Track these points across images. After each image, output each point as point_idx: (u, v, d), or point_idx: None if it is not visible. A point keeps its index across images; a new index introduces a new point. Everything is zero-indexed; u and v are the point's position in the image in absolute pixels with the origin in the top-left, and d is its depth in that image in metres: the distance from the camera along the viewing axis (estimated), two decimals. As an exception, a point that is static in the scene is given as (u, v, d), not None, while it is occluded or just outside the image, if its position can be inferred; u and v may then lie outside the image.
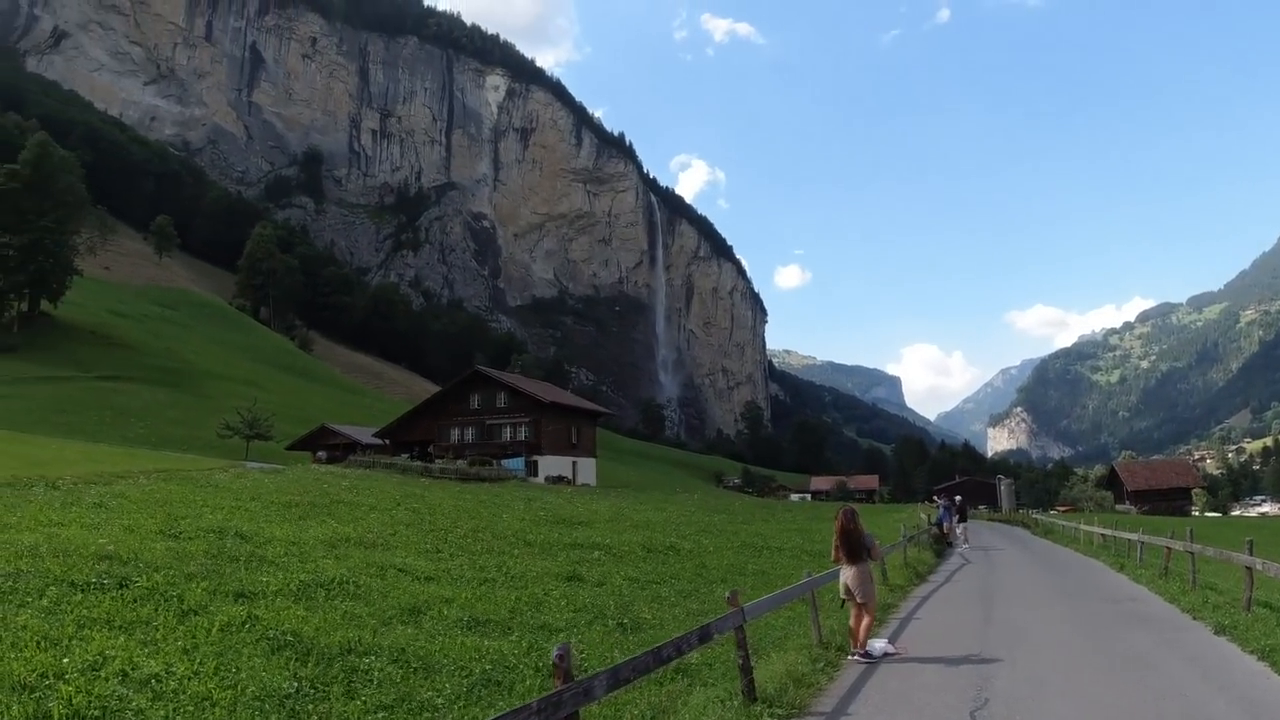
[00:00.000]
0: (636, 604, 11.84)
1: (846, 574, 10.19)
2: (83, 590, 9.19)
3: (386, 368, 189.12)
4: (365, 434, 58.59)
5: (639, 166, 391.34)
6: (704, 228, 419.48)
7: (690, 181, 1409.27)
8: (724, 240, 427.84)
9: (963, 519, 32.92)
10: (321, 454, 55.76)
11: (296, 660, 7.64)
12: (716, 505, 38.08)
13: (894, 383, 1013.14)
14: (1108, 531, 28.59)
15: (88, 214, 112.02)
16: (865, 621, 9.91)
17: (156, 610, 8.82)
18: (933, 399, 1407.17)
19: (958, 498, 34.75)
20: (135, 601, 9.03)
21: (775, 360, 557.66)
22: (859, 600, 9.97)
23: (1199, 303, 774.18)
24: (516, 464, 51.26)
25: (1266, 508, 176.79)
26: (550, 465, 52.81)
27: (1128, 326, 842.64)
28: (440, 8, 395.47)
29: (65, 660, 6.90)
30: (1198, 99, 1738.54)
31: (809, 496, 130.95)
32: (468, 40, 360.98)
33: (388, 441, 56.12)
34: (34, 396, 74.10)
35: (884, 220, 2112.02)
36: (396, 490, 26.65)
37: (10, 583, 9.07)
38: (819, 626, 10.36)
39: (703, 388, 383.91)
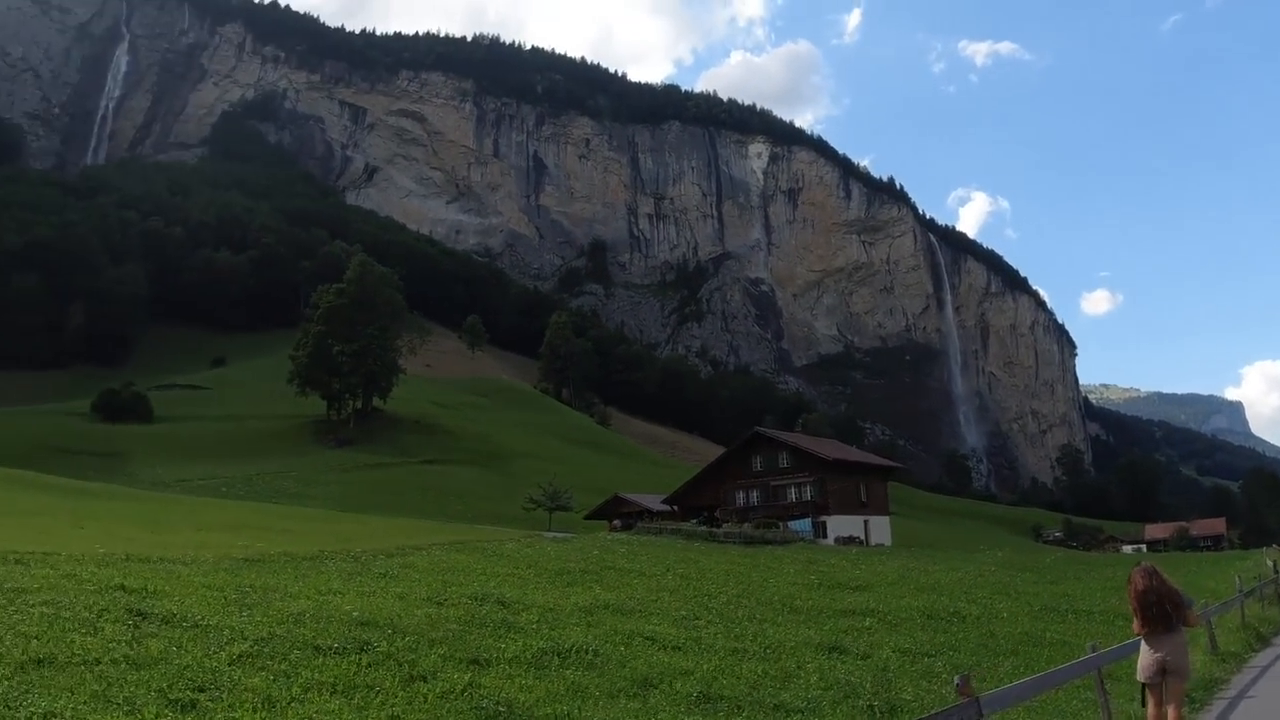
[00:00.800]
0: (900, 681, 10.45)
1: (1154, 648, 7.89)
2: (324, 654, 9.48)
3: (680, 436, 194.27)
4: (655, 501, 59.88)
5: (913, 208, 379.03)
6: (992, 262, 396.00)
7: (972, 215, 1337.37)
8: (1016, 272, 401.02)
9: None
10: (617, 522, 57.46)
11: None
12: (1022, 563, 34.41)
13: (1235, 409, 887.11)
14: None
15: (406, 321, 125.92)
16: (1175, 714, 7.66)
17: (385, 675, 8.91)
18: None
19: None
20: (368, 666, 9.20)
21: (1092, 396, 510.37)
22: (1175, 682, 7.75)
23: None
24: (803, 525, 49.85)
25: None
26: (839, 525, 50.84)
27: None
28: (698, 90, 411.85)
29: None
30: None
31: (1144, 547, 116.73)
32: (726, 115, 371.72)
33: (675, 507, 56.89)
34: (366, 481, 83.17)
35: (1199, 222, 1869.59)
36: (673, 555, 26.48)
37: (259, 647, 9.53)
38: (1109, 715, 8.36)
39: (1011, 434, 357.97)
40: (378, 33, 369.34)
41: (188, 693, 7.79)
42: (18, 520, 24.93)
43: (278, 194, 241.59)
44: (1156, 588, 8.01)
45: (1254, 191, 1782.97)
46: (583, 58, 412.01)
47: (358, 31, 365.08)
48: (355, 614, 11.70)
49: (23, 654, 8.04)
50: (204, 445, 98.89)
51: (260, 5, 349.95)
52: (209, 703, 7.62)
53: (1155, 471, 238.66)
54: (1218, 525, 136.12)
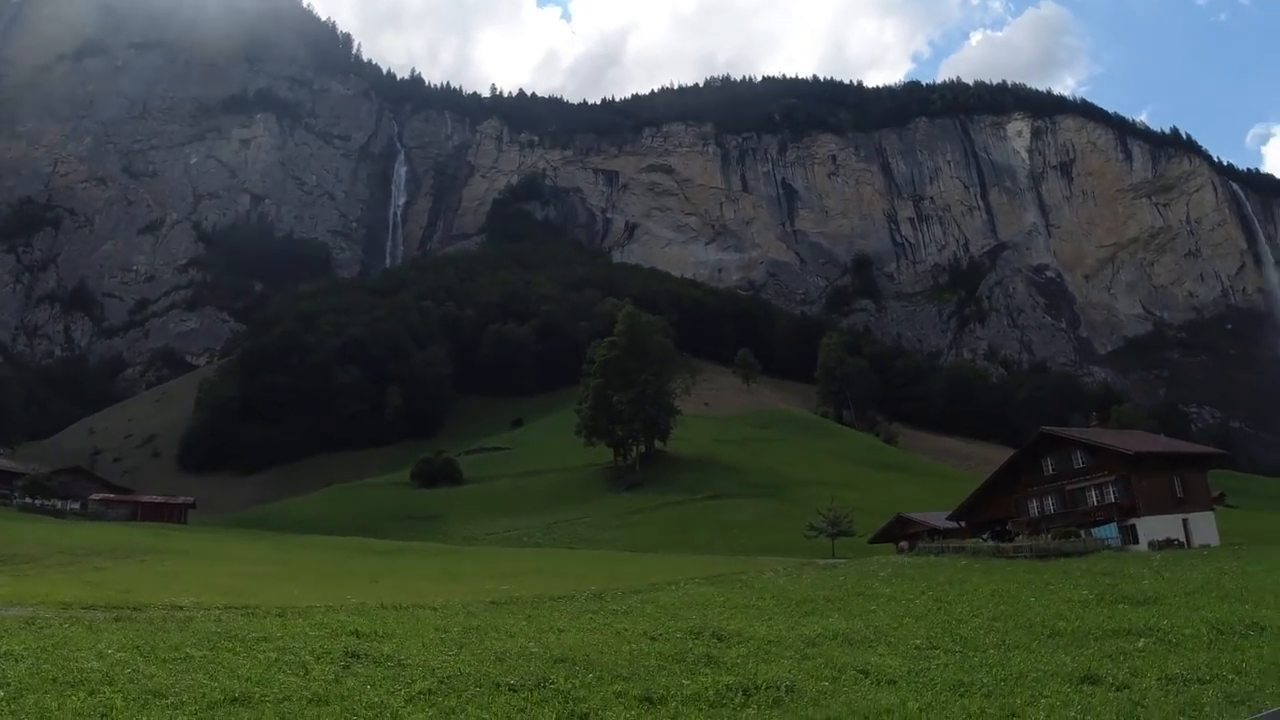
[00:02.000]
0: (1152, 717, 8.72)
1: None
2: (500, 691, 9.65)
3: (974, 447, 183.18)
4: (941, 518, 56.46)
5: (1207, 157, 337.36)
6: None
7: (1277, 152, 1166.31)
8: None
9: None
10: (904, 544, 54.98)
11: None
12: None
13: None
14: None
15: (677, 363, 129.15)
16: None
17: (547, 712, 8.86)
18: None
19: None
20: (537, 704, 9.21)
21: None
22: None
23: None
24: (1108, 531, 44.68)
25: None
26: (1152, 527, 44.94)
27: None
28: (940, 80, 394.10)
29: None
30: None
31: None
32: (975, 99, 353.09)
33: (962, 524, 53.19)
34: (653, 521, 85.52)
35: None
36: (943, 576, 24.68)
37: (443, 684, 9.84)
38: None
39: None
40: (617, 99, 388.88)
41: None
42: (315, 577, 27.72)
43: (552, 265, 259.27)
44: None
45: None
46: (814, 76, 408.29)
47: (599, 102, 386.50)
48: (557, 652, 11.81)
49: (223, 693, 8.75)
50: (508, 500, 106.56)
51: (510, 98, 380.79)
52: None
53: None
54: None
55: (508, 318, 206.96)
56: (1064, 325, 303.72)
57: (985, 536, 47.27)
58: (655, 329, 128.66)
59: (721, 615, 16.63)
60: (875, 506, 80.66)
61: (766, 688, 10.02)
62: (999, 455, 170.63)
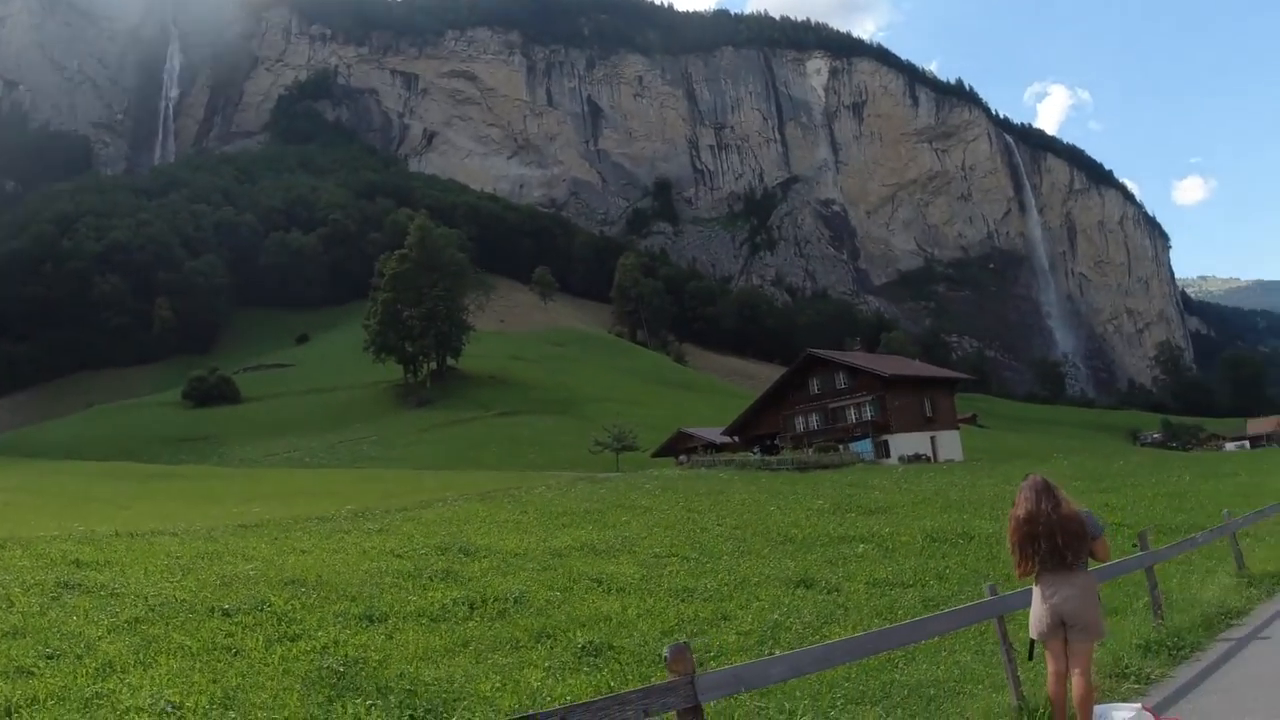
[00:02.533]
0: (851, 619, 9.30)
1: (1046, 594, 5.57)
2: (214, 617, 9.25)
3: (760, 367, 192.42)
4: (718, 434, 59.07)
5: (986, 109, 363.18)
6: (1075, 157, 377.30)
7: (1050, 111, 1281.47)
8: (1101, 166, 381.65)
9: None
10: (683, 458, 56.97)
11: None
12: (1091, 469, 32.48)
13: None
14: None
15: (471, 278, 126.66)
16: (1080, 683, 5.28)
17: (255, 637, 8.54)
18: None
19: None
20: (248, 628, 8.89)
21: (1189, 290, 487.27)
22: (1079, 639, 5.38)
23: None
24: (864, 446, 48.45)
25: None
26: (903, 444, 49.13)
27: None
28: (749, 11, 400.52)
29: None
30: None
31: (1247, 444, 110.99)
32: (780, 34, 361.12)
33: (736, 439, 55.97)
34: (444, 439, 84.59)
35: None
36: (704, 488, 25.74)
37: (153, 612, 9.31)
38: (1017, 681, 5.96)
39: (1106, 336, 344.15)
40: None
41: (36, 660, 7.58)
42: (60, 506, 25.56)
43: (342, 170, 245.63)
44: (1047, 513, 5.63)
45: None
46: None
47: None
48: (290, 574, 11.34)
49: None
50: (289, 420, 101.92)
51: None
52: (49, 671, 7.36)
53: (1259, 364, 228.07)
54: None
55: (292, 225, 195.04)
56: (845, 257, 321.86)
57: (755, 450, 49.86)
58: (449, 242, 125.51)
59: (478, 531, 16.53)
60: (662, 423, 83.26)
61: (495, 600, 9.98)
62: (780, 374, 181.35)
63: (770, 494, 23.13)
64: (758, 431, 54.95)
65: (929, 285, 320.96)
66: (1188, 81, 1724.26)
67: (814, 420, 53.47)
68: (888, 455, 48.40)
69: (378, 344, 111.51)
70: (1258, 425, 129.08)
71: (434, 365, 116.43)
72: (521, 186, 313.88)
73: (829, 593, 10.60)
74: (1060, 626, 5.47)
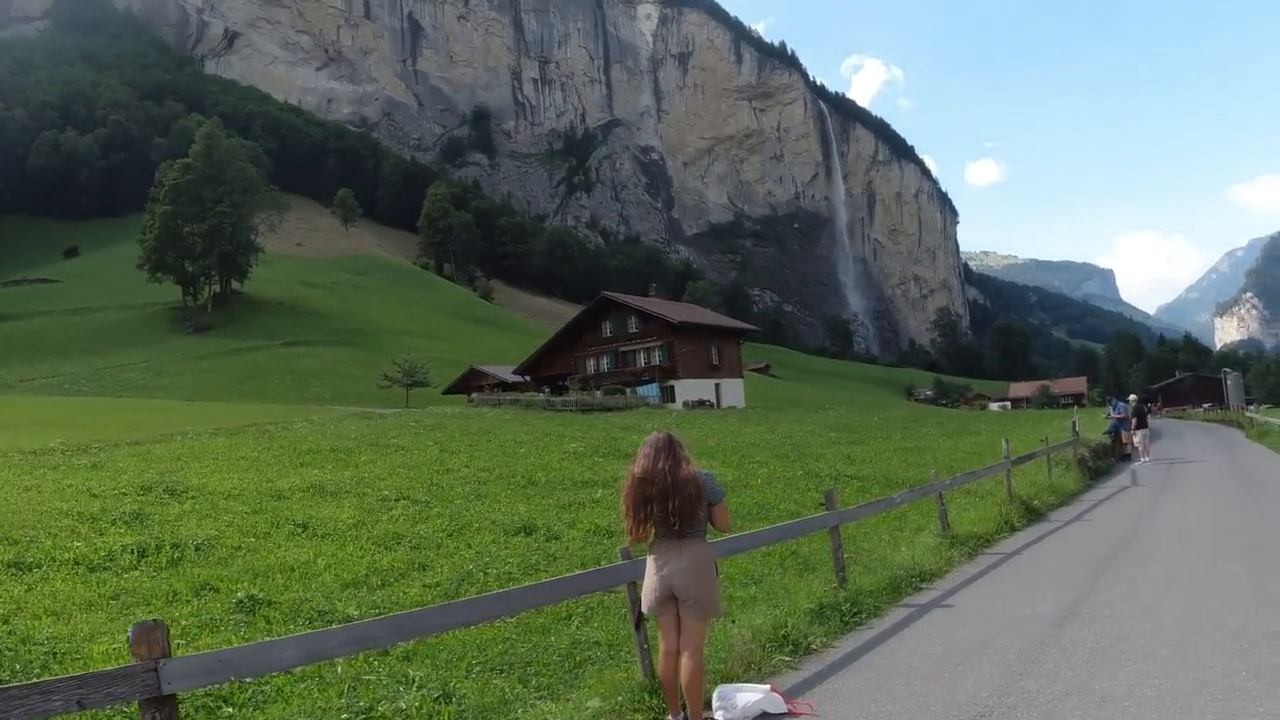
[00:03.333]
0: (534, 573, 8.99)
1: (658, 564, 4.99)
2: None
3: (568, 308, 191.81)
4: (511, 372, 58.45)
5: (805, 75, 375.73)
6: (881, 130, 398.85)
7: (865, 84, 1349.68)
8: (903, 141, 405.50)
9: (1141, 424, 25.36)
10: (475, 395, 55.94)
11: None
12: (853, 421, 34.08)
13: (1107, 276, 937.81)
14: None
15: (263, 195, 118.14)
16: (689, 664, 4.82)
17: None
18: (1153, 291, 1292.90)
19: (1131, 397, 27.43)
20: None
21: (972, 263, 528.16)
22: (690, 615, 4.89)
23: None
24: (650, 390, 49.26)
25: None
26: (688, 389, 50.36)
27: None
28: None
29: None
30: None
31: (1008, 404, 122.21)
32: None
33: (528, 378, 55.60)
34: (222, 369, 79.20)
35: (1085, 100, 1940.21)
36: (475, 426, 25.13)
37: None
38: (645, 652, 5.46)
39: (894, 299, 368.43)
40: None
41: None
42: None
43: (128, 66, 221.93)
44: (663, 473, 4.92)
45: (1140, 67, 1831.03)
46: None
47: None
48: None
49: None
50: (51, 342, 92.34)
51: None
52: None
53: (1025, 334, 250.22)
54: (1079, 384, 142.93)
55: (68, 124, 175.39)
56: (660, 205, 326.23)
57: (544, 390, 49.68)
58: (239, 154, 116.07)
59: (202, 469, 15.20)
60: (463, 359, 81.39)
61: (173, 547, 9.01)
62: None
63: (538, 435, 22.72)
64: (549, 372, 54.66)
65: (737, 239, 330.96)
66: (991, 72, 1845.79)
67: (605, 363, 53.71)
68: (673, 400, 49.39)
69: (154, 262, 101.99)
70: (1019, 389, 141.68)
71: (216, 288, 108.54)
72: (330, 102, 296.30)
73: (547, 540, 10.27)
74: (671, 600, 4.94)
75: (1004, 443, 15.47)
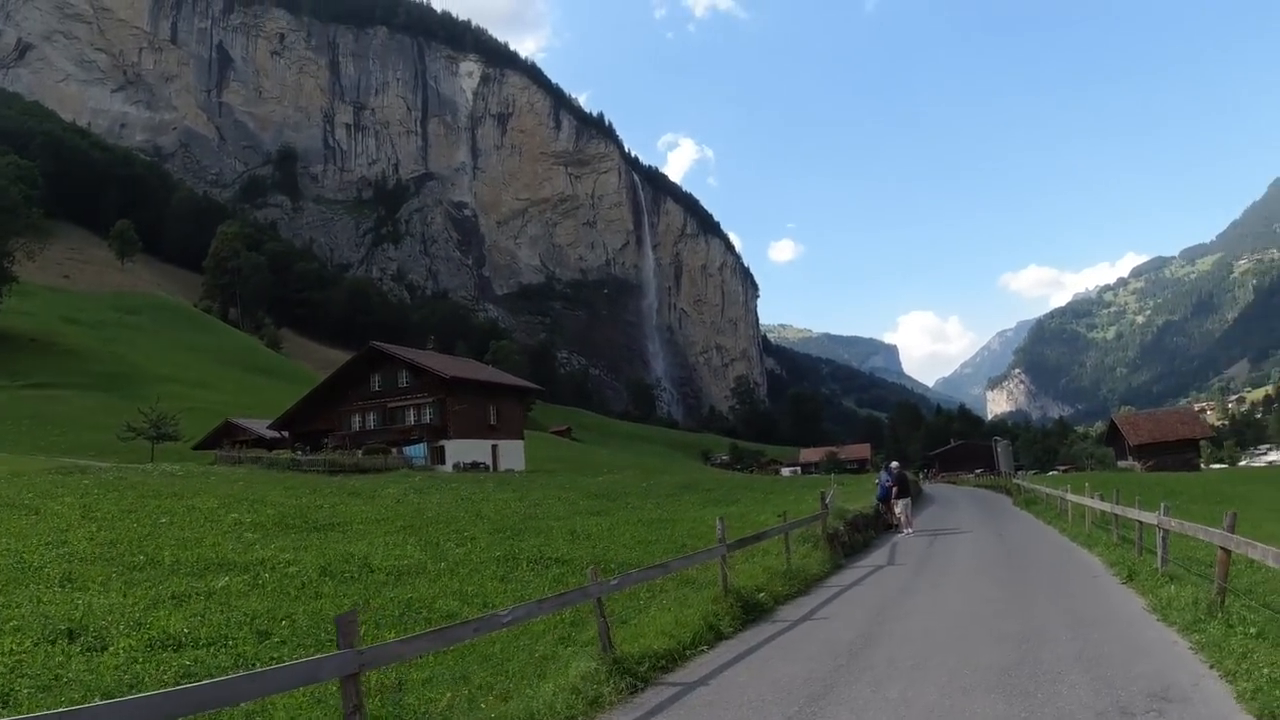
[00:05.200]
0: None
1: None
2: None
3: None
4: (267, 427, 53.65)
5: (620, 146, 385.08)
6: (690, 205, 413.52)
7: (679, 160, 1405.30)
8: (711, 217, 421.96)
9: (903, 494, 24.73)
10: (218, 452, 50.88)
11: None
12: (613, 488, 32.58)
13: (891, 351, 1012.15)
14: (1107, 507, 18.06)
15: (25, 219, 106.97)
16: None
17: None
18: (931, 365, 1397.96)
19: (895, 465, 26.71)
20: None
21: (771, 335, 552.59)
22: None
23: (1192, 255, 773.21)
24: (417, 451, 46.14)
25: (1274, 456, 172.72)
26: (461, 450, 47.48)
27: (1122, 282, 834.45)
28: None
29: None
30: (1181, 57, 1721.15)
31: (799, 469, 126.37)
32: (439, 27, 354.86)
33: (285, 434, 51.08)
34: (-52, 409, 69.56)
35: (874, 189, 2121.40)
36: (176, 488, 21.68)
37: None
38: None
39: (697, 366, 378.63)
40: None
41: None
42: None
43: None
44: None
45: (927, 169, 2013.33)
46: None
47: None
48: None
49: None
50: None
51: None
52: None
53: (817, 402, 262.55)
54: (864, 450, 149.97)
55: None
56: (470, 262, 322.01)
57: (302, 448, 45.69)
58: (3, 172, 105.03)
59: None
60: (229, 411, 75.03)
61: None
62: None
63: (234, 500, 19.68)
64: (312, 427, 50.23)
65: (547, 301, 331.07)
66: (796, 159, 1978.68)
67: (372, 419, 49.90)
68: (443, 462, 46.47)
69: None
70: (809, 454, 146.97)
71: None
72: (123, 126, 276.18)
73: (86, 651, 7.74)
74: None
75: (718, 523, 12.54)
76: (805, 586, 13.97)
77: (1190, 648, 8.37)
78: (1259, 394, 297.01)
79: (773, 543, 15.64)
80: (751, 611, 11.55)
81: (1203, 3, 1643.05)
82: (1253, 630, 8.13)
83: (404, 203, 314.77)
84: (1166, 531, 12.45)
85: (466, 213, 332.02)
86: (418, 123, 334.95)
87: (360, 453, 42.58)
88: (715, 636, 10.05)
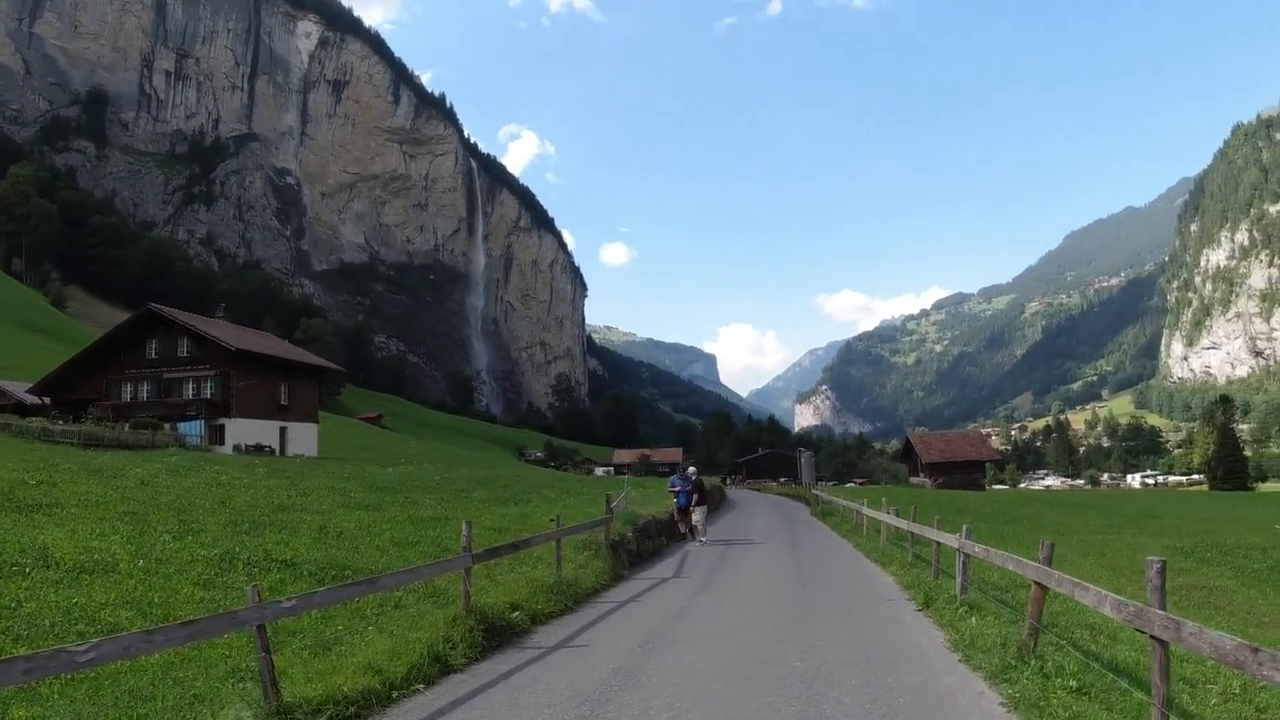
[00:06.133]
0: None
1: None
2: None
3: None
4: (26, 391, 48.29)
5: (460, 130, 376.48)
6: (526, 198, 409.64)
7: (520, 153, 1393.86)
8: (546, 212, 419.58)
9: (701, 501, 23.49)
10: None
11: None
12: (398, 481, 30.90)
13: (710, 360, 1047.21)
14: (904, 524, 17.46)
15: None
16: None
17: None
18: (747, 377, 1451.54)
19: (691, 470, 24.99)
20: None
21: (596, 336, 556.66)
22: None
23: (989, 294, 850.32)
24: (192, 428, 42.48)
25: (1050, 480, 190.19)
26: (244, 431, 43.93)
27: (925, 313, 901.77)
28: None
29: None
30: (997, 116, 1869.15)
31: (613, 469, 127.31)
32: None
33: (46, 400, 46.08)
34: None
35: (706, 203, 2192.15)
36: None
37: None
38: None
39: (520, 361, 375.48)
40: None
41: None
42: None
43: None
44: None
45: (753, 178, 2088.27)
46: None
47: None
48: None
49: None
50: None
51: None
52: None
53: (635, 405, 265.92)
54: (675, 454, 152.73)
55: None
56: (288, 233, 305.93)
57: (56, 416, 41.35)
58: None
59: None
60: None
61: None
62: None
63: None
64: (77, 395, 45.18)
65: (369, 282, 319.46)
66: (634, 163, 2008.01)
67: (145, 390, 45.33)
68: (222, 442, 43.00)
69: None
70: (623, 455, 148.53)
71: None
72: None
73: None
74: None
75: (464, 527, 10.66)
76: (575, 602, 12.57)
77: (1002, 704, 7.05)
78: (1040, 424, 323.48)
79: (548, 549, 14.29)
80: (498, 636, 9.83)
81: (1018, 61, 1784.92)
82: (1073, 684, 7.12)
83: (221, 163, 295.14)
84: (968, 556, 11.43)
85: (289, 180, 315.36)
86: (245, 79, 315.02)
87: (127, 426, 38.83)
88: (441, 670, 8.29)
